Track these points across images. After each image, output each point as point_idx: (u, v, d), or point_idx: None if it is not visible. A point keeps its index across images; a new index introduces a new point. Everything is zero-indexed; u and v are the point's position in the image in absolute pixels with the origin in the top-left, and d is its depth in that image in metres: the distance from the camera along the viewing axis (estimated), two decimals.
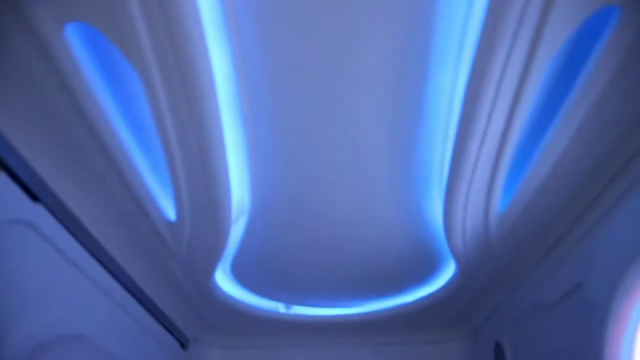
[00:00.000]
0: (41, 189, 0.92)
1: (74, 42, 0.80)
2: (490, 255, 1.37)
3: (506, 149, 1.01)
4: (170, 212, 1.19)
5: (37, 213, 0.91)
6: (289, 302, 1.88)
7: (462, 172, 1.08)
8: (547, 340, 1.36)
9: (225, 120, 0.97)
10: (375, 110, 1.06)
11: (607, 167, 1.03)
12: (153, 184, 1.13)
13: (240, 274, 1.65)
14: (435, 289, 1.68)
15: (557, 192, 1.11)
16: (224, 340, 2.10)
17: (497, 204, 1.17)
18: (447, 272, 1.61)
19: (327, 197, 1.27)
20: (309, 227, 1.39)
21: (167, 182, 1.08)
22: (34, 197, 0.90)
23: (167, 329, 1.63)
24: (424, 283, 1.71)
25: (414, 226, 1.39)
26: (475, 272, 1.47)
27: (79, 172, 1.03)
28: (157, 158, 1.06)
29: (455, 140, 1.03)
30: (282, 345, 2.13)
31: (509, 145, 1.01)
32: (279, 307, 1.89)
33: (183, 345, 1.82)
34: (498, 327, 1.72)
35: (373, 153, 1.17)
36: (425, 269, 1.63)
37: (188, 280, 1.49)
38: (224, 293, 1.63)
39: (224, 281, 1.66)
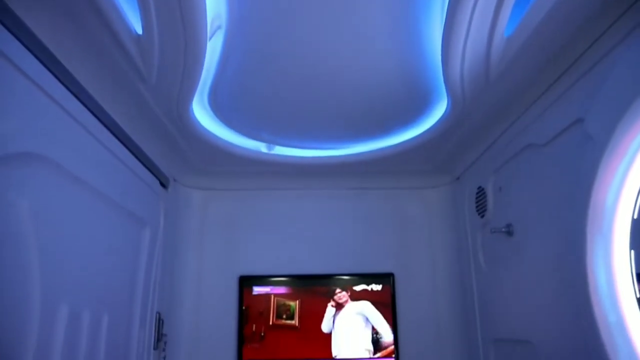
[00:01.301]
0: None
1: None
2: (487, 90, 1.29)
3: None
4: (137, 25, 1.05)
5: None
6: (270, 142, 1.82)
7: None
8: (532, 182, 1.35)
9: None
10: None
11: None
12: None
13: (220, 110, 1.56)
14: (425, 129, 1.62)
15: (566, 21, 1.01)
16: (204, 181, 2.08)
17: (503, 27, 1.06)
18: (438, 113, 1.54)
19: (314, 15, 1.12)
20: (293, 54, 1.27)
21: None
22: None
23: (145, 166, 1.58)
24: (414, 124, 1.65)
25: (409, 57, 1.27)
26: (468, 109, 1.40)
27: None
28: None
29: None
30: (262, 187, 2.13)
31: None
32: (261, 147, 1.83)
33: (163, 184, 1.79)
34: (482, 172, 1.72)
35: None
36: (416, 108, 1.55)
37: (163, 110, 1.39)
38: (202, 127, 1.55)
39: (203, 117, 1.57)
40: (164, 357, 1.76)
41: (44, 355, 0.95)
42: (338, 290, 2.00)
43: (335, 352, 1.94)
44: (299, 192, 2.14)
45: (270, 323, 1.96)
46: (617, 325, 0.98)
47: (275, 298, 1.98)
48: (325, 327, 1.98)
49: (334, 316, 1.98)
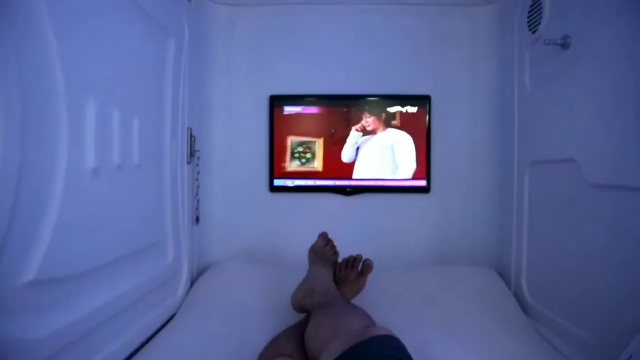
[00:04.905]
0: None
1: None
2: None
3: None
4: None
5: None
6: None
7: None
8: None
9: None
10: None
11: None
12: None
13: None
14: None
15: None
16: None
17: None
18: None
19: None
20: None
21: None
22: None
23: None
24: None
25: None
26: None
27: None
28: None
29: None
30: (293, 1, 1.95)
31: None
32: None
33: None
34: None
35: None
36: None
37: None
38: None
39: None
40: (198, 173, 1.80)
41: (77, 147, 0.94)
42: (366, 114, 1.93)
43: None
44: (333, 6, 1.96)
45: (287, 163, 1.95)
46: None
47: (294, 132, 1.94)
48: (345, 155, 1.94)
49: (359, 145, 1.94)
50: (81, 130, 0.95)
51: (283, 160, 1.95)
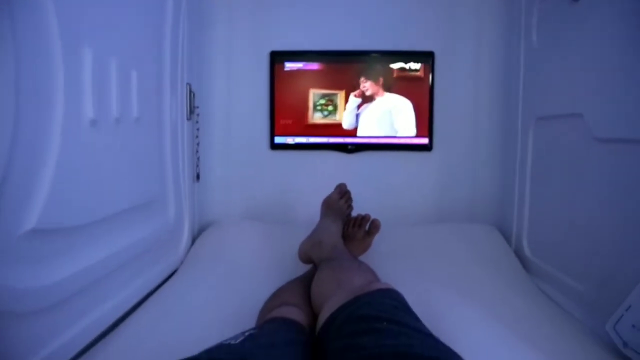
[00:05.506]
0: None
1: None
2: None
3: None
4: None
5: None
6: None
7: None
8: None
9: None
10: None
11: None
12: None
13: None
14: None
15: None
16: None
17: None
18: None
19: None
20: None
21: None
22: None
23: None
24: None
25: None
26: None
27: None
28: None
29: None
30: None
31: None
32: None
33: None
34: None
35: None
36: None
37: None
38: None
39: None
40: (198, 129, 1.78)
41: (74, 97, 0.91)
42: (363, 79, 1.89)
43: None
44: None
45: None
46: None
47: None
48: (345, 122, 1.91)
49: (358, 111, 1.91)
50: (78, 80, 0.93)
51: (290, 116, 1.92)
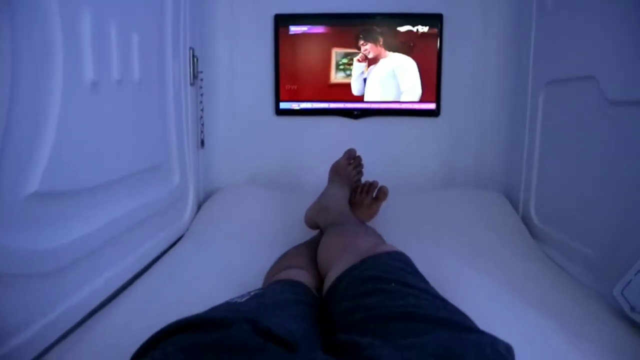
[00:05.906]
0: None
1: None
2: None
3: None
4: None
5: None
6: None
7: None
8: None
9: None
10: None
11: None
12: None
13: None
14: None
15: None
16: None
17: None
18: None
19: None
20: None
21: None
22: None
23: None
24: None
25: None
26: None
27: None
28: None
29: None
30: None
31: None
32: None
33: None
34: None
35: None
36: None
37: None
38: None
39: None
40: (202, 95, 1.75)
41: (74, 57, 0.89)
42: (362, 42, 1.84)
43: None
44: None
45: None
46: None
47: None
48: (354, 88, 1.88)
49: (365, 75, 1.87)
50: (77, 40, 0.90)
51: (298, 80, 1.89)
